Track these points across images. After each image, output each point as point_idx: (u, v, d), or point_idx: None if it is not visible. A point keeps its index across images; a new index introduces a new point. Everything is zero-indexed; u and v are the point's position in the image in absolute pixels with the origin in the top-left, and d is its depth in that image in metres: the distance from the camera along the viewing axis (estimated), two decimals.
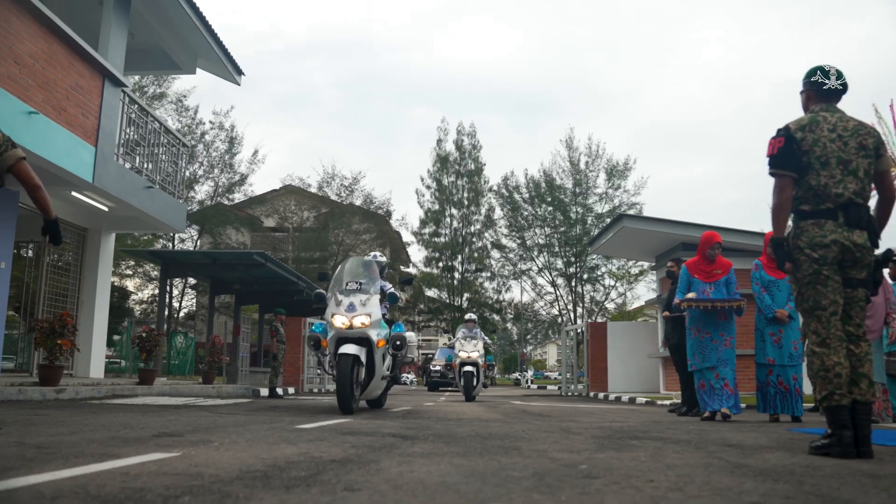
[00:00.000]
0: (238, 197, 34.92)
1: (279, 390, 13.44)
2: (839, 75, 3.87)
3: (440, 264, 41.23)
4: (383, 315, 7.31)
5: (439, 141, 41.58)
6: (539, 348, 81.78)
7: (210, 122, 32.85)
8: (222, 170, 33.38)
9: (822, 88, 3.87)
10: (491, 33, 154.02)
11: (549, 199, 38.31)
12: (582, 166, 38.25)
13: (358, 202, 37.85)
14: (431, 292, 42.67)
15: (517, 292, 46.96)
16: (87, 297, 12.21)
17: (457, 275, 41.02)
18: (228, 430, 4.30)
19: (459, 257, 40.92)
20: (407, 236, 43.01)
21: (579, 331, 22.90)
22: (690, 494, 2.20)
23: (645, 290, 36.89)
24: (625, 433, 4.88)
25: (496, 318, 42.84)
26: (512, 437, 4.31)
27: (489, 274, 41.65)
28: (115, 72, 10.13)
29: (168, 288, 30.35)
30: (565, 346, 24.64)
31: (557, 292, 39.96)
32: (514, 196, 39.41)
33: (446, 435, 4.40)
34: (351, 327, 6.69)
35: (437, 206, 40.87)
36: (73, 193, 10.26)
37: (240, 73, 14.14)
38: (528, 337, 49.61)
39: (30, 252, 12.31)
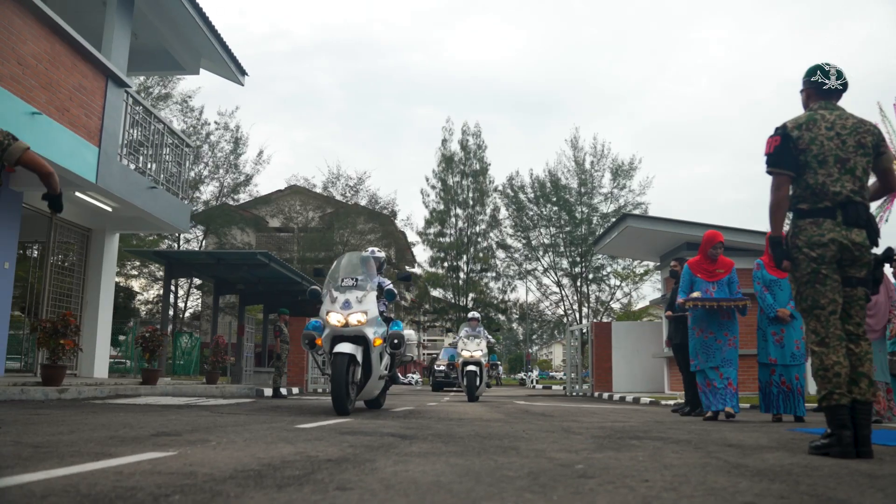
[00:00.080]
0: (243, 197, 34.97)
1: (283, 390, 13.45)
2: (839, 75, 3.84)
3: (445, 264, 41.17)
4: (381, 312, 7.06)
5: (444, 141, 41.56)
6: (545, 348, 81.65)
7: (215, 122, 32.93)
8: (227, 170, 33.42)
9: (821, 88, 3.85)
10: (495, 33, 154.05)
11: (555, 199, 38.24)
12: (587, 166, 38.19)
13: (363, 202, 37.90)
14: (437, 292, 42.63)
15: (522, 292, 46.96)
16: (91, 298, 12.25)
17: (462, 275, 40.96)
18: (227, 430, 4.30)
19: (464, 257, 40.86)
20: (412, 236, 43.02)
21: (584, 331, 22.86)
22: (684, 494, 2.18)
23: (650, 290, 36.79)
24: (625, 433, 4.86)
25: (501, 317, 42.80)
26: (511, 437, 4.30)
27: (494, 274, 41.57)
28: (119, 72, 10.16)
29: (174, 288, 30.65)
30: (570, 346, 24.60)
31: (563, 292, 39.90)
32: (520, 196, 39.35)
33: (445, 435, 4.39)
34: (347, 325, 6.44)
35: (442, 206, 40.82)
36: (77, 194, 10.29)
37: (243, 73, 14.17)
38: (534, 337, 49.56)
39: (34, 252, 12.36)
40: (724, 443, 4.15)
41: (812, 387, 7.25)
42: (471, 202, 40.88)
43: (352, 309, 6.49)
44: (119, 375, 18.56)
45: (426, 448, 3.50)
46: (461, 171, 41.05)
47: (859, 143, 3.68)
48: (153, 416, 5.43)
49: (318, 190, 38.08)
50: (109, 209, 11.28)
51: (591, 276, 38.61)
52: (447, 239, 40.90)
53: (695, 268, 7.45)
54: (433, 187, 41.09)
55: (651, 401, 12.93)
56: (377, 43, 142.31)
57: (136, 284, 33.39)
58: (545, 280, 40.58)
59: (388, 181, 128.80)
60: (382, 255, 8.19)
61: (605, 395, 17.46)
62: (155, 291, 33.67)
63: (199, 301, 35.94)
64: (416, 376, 50.30)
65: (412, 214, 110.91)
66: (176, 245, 31.57)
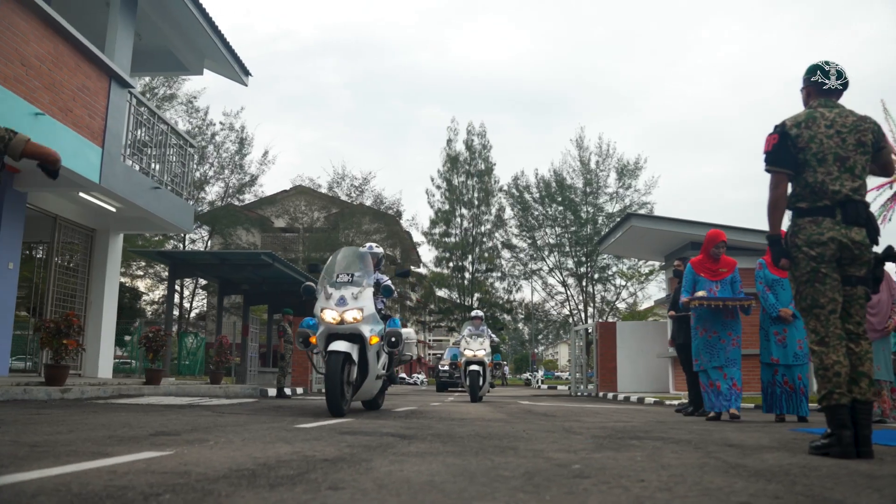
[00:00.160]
0: (248, 198, 35.09)
1: (287, 390, 13.45)
2: (839, 74, 3.81)
3: (450, 264, 41.22)
4: (379, 310, 6.81)
5: (449, 141, 41.63)
6: (550, 348, 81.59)
7: (220, 123, 33.04)
8: (233, 171, 33.53)
9: (822, 88, 3.82)
10: (501, 33, 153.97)
11: (560, 199, 38.24)
12: (592, 166, 38.21)
13: (368, 202, 38.00)
14: (442, 292, 42.68)
15: (528, 292, 46.99)
16: (95, 298, 12.28)
17: (467, 275, 40.99)
18: (227, 430, 4.29)
19: (470, 257, 40.89)
20: (417, 236, 43.10)
21: (589, 331, 22.82)
22: (678, 494, 2.17)
23: (656, 290, 36.78)
24: (626, 433, 4.84)
25: (507, 317, 42.79)
26: (511, 437, 4.28)
27: (500, 274, 41.62)
28: (122, 73, 10.19)
29: (178, 288, 30.74)
30: (574, 345, 24.56)
31: (568, 292, 39.90)
32: (525, 196, 39.38)
33: (445, 435, 4.38)
34: (342, 322, 6.14)
35: (447, 206, 40.87)
36: (81, 194, 10.32)
37: (246, 73, 14.19)
38: (539, 337, 49.52)
39: (41, 253, 12.40)
40: (725, 443, 4.13)
41: (816, 386, 7.22)
42: (476, 202, 40.91)
43: (347, 306, 6.20)
44: (124, 375, 18.63)
45: (424, 448, 3.49)
46: (466, 171, 41.07)
47: (859, 142, 3.66)
48: (154, 416, 5.43)
49: (324, 190, 38.20)
50: (113, 209, 11.31)
51: (596, 275, 38.59)
52: (452, 239, 40.94)
53: (697, 267, 7.42)
54: (438, 187, 41.16)
55: (655, 401, 12.89)
56: (383, 43, 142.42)
57: (141, 285, 33.51)
58: (550, 280, 40.62)
59: (394, 181, 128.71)
60: (381, 250, 7.91)
61: (610, 395, 17.42)
62: (160, 292, 33.76)
63: (205, 301, 36.04)
64: (422, 376, 50.37)
65: (417, 214, 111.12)
66: (181, 245, 31.67)
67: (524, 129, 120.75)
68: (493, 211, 41.27)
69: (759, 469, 2.85)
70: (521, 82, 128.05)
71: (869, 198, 3.83)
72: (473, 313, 13.15)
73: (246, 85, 14.33)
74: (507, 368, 56.55)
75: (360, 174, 44.01)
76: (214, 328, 24.41)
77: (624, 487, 2.29)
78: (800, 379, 6.91)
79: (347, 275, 6.46)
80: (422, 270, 44.71)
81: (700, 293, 7.20)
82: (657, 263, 30.73)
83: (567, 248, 38.95)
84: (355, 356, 6.17)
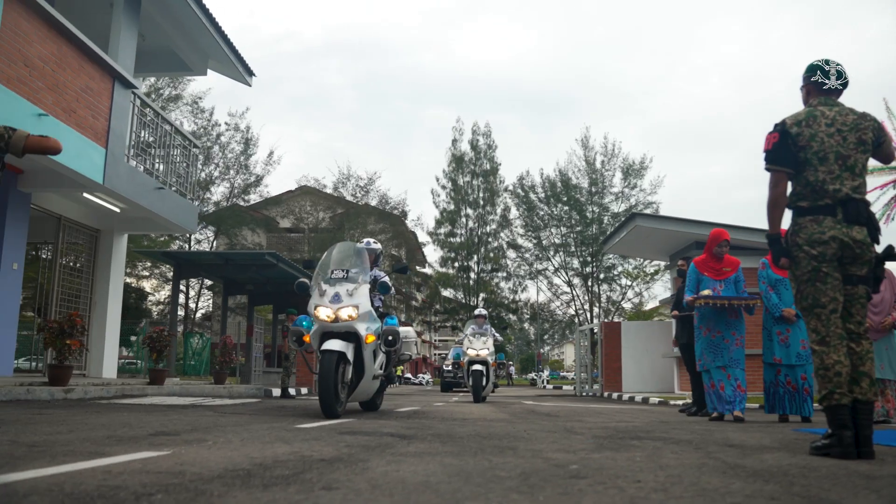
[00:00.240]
0: (253, 198, 35.09)
1: (291, 390, 13.45)
2: (839, 74, 3.79)
3: (456, 264, 41.14)
4: (376, 307, 6.58)
5: (454, 141, 41.55)
6: (556, 348, 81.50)
7: (225, 123, 33.06)
8: (238, 171, 33.53)
9: (821, 88, 3.80)
10: (506, 33, 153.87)
11: (565, 199, 38.13)
12: (598, 165, 38.06)
13: (373, 203, 37.99)
14: (447, 292, 42.64)
15: (533, 292, 46.93)
16: (99, 298, 12.31)
17: (472, 275, 40.92)
18: (227, 430, 4.29)
19: (475, 257, 40.82)
20: (422, 237, 43.05)
21: (594, 331, 22.78)
22: (673, 495, 2.16)
23: (661, 290, 36.65)
24: (627, 433, 4.83)
25: (512, 317, 42.72)
26: (511, 437, 4.27)
27: (505, 274, 41.50)
28: (125, 74, 10.21)
29: (184, 289, 30.80)
30: (579, 346, 24.53)
31: (574, 292, 39.79)
32: (530, 196, 39.27)
33: (445, 435, 4.37)
34: (336, 320, 5.89)
35: (452, 207, 40.80)
36: (85, 195, 10.35)
37: (250, 73, 14.21)
38: (545, 337, 49.45)
39: (47, 254, 12.44)
40: (726, 443, 4.11)
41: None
42: (481, 202, 40.84)
43: (342, 303, 5.94)
44: (130, 376, 18.68)
45: (423, 448, 3.48)
46: (471, 171, 41.01)
47: (860, 140, 3.64)
48: (155, 416, 5.43)
49: (329, 190, 38.21)
50: (117, 210, 11.33)
51: (601, 275, 38.48)
52: (458, 239, 40.88)
53: (701, 266, 7.39)
54: (444, 187, 41.10)
55: (660, 401, 12.85)
56: (387, 43, 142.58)
57: (147, 285, 33.60)
58: (556, 280, 40.50)
59: (399, 181, 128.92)
60: (378, 246, 7.58)
61: (615, 395, 17.39)
62: (166, 292, 33.86)
63: (210, 302, 36.11)
64: (427, 376, 50.38)
65: (423, 214, 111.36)
66: (187, 246, 31.72)
67: (529, 129, 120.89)
68: (499, 211, 41.20)
69: (758, 469, 2.83)
70: (524, 82, 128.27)
71: (871, 197, 3.81)
72: (476, 312, 12.95)
73: (250, 85, 14.35)
74: (512, 368, 56.55)
75: (365, 174, 44.06)
76: (219, 328, 24.47)
77: (619, 488, 2.28)
78: (804, 379, 6.87)
79: (342, 271, 6.22)
80: (427, 270, 44.69)
81: (705, 292, 7.16)
82: (662, 263, 30.68)
83: (572, 248, 38.83)
84: (350, 355, 5.93)
